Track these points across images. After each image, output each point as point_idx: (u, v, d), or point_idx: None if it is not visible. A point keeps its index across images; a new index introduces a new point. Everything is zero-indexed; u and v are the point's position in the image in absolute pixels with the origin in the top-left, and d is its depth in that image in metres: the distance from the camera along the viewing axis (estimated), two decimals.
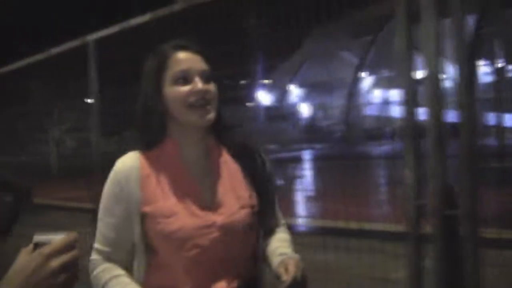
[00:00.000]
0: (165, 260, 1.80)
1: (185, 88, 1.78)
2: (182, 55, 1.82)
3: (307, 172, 16.69)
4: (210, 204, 1.81)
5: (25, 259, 1.10)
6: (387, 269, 3.78)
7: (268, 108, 26.33)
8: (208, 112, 1.78)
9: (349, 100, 30.00)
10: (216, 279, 1.79)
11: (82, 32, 5.08)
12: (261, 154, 1.98)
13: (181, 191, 1.81)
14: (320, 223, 4.17)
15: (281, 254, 1.85)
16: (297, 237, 3.94)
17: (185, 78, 1.79)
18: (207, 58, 1.86)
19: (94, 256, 1.87)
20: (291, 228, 5.05)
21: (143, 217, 1.78)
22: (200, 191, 1.83)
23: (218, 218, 1.79)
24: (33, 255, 1.10)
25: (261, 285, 1.94)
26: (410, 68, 2.72)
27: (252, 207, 1.84)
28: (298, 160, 20.14)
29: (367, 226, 4.47)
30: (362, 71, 31.80)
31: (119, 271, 1.83)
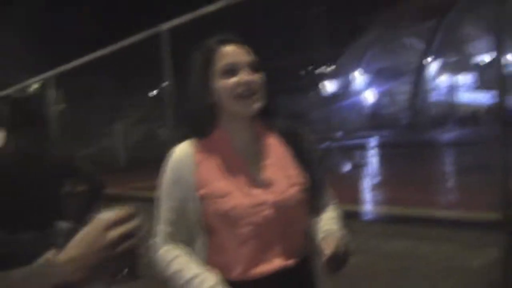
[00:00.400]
0: (221, 238, 1.89)
1: (232, 80, 1.86)
2: (228, 48, 1.91)
3: (373, 159, 16.48)
4: (262, 183, 1.90)
5: (85, 231, 1.13)
6: (464, 258, 3.68)
7: (333, 96, 26.16)
8: (254, 101, 1.87)
9: (414, 87, 29.51)
10: (270, 256, 1.87)
11: (152, 22, 4.94)
12: (308, 135, 2.07)
13: (233, 173, 1.91)
14: (390, 210, 4.08)
15: (326, 230, 1.92)
16: (366, 225, 3.90)
17: (231, 70, 1.88)
18: (252, 50, 1.95)
19: (157, 237, 1.96)
20: (358, 216, 4.96)
21: (200, 199, 1.88)
22: (251, 172, 1.92)
23: (270, 196, 1.87)
24: (92, 225, 1.13)
25: (314, 262, 1.98)
26: (500, 52, 2.61)
27: (301, 184, 1.92)
28: (363, 147, 19.91)
29: (438, 213, 4.35)
30: (428, 57, 31.08)
31: (181, 251, 1.94)
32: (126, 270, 1.17)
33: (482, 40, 24.90)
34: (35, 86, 7.46)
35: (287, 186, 1.90)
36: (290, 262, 1.88)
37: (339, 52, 31.30)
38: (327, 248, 1.77)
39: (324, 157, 15.18)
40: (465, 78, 28.25)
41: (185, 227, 1.95)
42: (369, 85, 33.20)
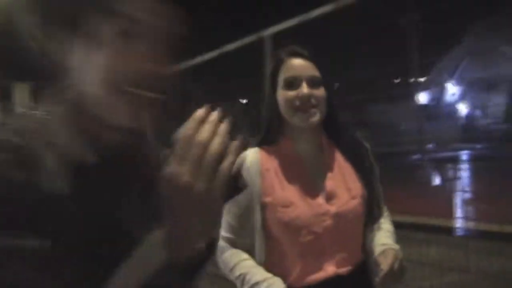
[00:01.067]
0: (282, 245, 1.99)
1: (292, 93, 1.97)
2: (294, 61, 2.01)
3: (465, 172, 16.02)
4: (324, 195, 1.99)
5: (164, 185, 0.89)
6: None
7: (425, 107, 25.64)
8: (312, 115, 1.96)
9: (510, 98, 28.47)
10: (325, 264, 1.97)
11: (253, 29, 4.91)
12: (367, 147, 2.18)
13: (297, 183, 2.00)
14: (485, 226, 3.95)
15: (383, 244, 2.01)
16: (461, 241, 3.79)
17: (293, 83, 1.98)
18: (318, 65, 2.02)
19: (221, 242, 2.04)
20: (452, 231, 4.83)
21: (263, 207, 1.98)
22: (314, 183, 2.02)
23: (332, 207, 1.97)
24: (168, 178, 0.88)
25: (368, 272, 2.05)
26: None
27: (361, 197, 2.02)
28: (456, 160, 19.37)
29: None
30: None
31: (245, 255, 2.03)
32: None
33: None
34: None
35: (348, 198, 2.00)
36: (344, 270, 1.98)
37: (433, 62, 30.68)
38: (384, 263, 1.88)
39: (414, 170, 14.88)
40: None
41: (246, 234, 2.03)
42: (462, 96, 32.32)
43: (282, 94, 2.00)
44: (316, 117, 1.97)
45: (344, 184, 2.03)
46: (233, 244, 2.06)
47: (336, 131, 2.11)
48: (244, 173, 1.90)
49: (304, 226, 1.94)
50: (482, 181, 12.45)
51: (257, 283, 1.90)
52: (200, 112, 0.89)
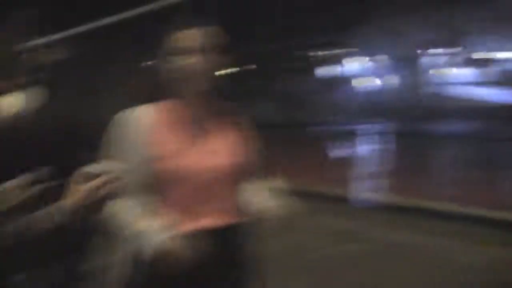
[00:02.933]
0: (165, 194, 2.15)
1: (182, 61, 2.13)
2: (185, 32, 2.16)
3: (370, 146, 16.56)
4: (206, 152, 2.18)
5: (76, 183, 1.59)
6: (465, 253, 3.68)
7: (330, 80, 26.15)
8: (195, 84, 2.13)
9: (412, 77, 29.50)
10: (204, 215, 2.16)
11: None
12: (247, 116, 2.37)
13: (184, 139, 2.18)
14: (384, 198, 4.07)
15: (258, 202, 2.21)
16: (360, 212, 3.88)
17: (182, 53, 2.13)
18: (214, 33, 2.18)
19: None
20: (348, 202, 4.91)
21: (152, 158, 2.14)
22: (200, 141, 2.20)
23: (211, 164, 2.17)
24: (83, 178, 1.59)
25: (243, 227, 2.27)
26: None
27: (239, 157, 2.22)
28: (360, 134, 20.03)
29: (435, 205, 4.32)
30: (426, 48, 31.10)
31: (131, 203, 2.17)
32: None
33: (479, 37, 24.95)
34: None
35: (228, 157, 2.20)
36: (219, 224, 2.17)
37: (341, 37, 31.34)
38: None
39: (315, 141, 15.20)
40: (465, 72, 28.30)
41: (137, 185, 2.17)
42: (365, 71, 33.13)
43: (175, 61, 2.14)
44: (200, 85, 2.14)
45: (225, 146, 2.22)
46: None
47: (223, 100, 2.29)
48: (134, 128, 2.20)
49: (185, 178, 2.13)
50: (382, 155, 12.89)
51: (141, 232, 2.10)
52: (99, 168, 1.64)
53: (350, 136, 18.21)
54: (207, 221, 2.17)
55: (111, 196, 1.63)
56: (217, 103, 2.26)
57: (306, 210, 3.90)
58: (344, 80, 31.82)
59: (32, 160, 1.80)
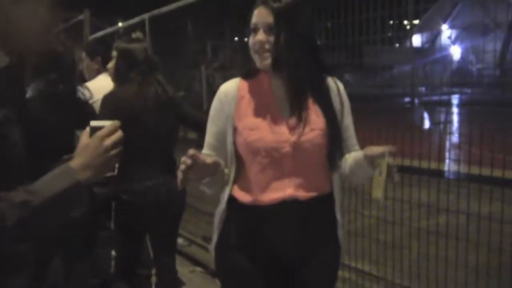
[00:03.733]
0: (247, 165, 2.30)
1: (253, 38, 2.24)
2: (256, 10, 2.24)
3: (456, 116, 16.08)
4: (287, 125, 2.25)
5: (86, 141, 1.55)
6: None
7: (419, 50, 25.49)
8: (264, 59, 2.22)
9: (504, 44, 28.34)
10: (286, 186, 2.25)
11: None
12: (339, 85, 2.42)
13: (266, 112, 2.28)
14: (472, 170, 4.00)
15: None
16: (450, 183, 3.86)
17: (254, 29, 2.24)
18: (284, 10, 2.20)
19: None
20: (443, 174, 4.86)
21: (234, 129, 2.29)
22: (281, 114, 2.27)
23: (292, 137, 2.23)
24: (93, 137, 1.55)
25: (332, 201, 2.36)
26: None
27: (322, 130, 2.26)
28: (447, 104, 19.38)
29: None
30: None
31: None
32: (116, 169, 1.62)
33: None
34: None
35: (308, 130, 2.24)
36: (302, 195, 2.25)
37: (427, 5, 30.44)
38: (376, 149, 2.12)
39: (406, 113, 14.94)
40: None
41: (222, 152, 2.32)
42: (456, 40, 32.14)
43: (249, 38, 2.26)
44: (268, 60, 2.22)
45: (307, 118, 2.25)
46: None
47: (307, 71, 2.28)
48: (222, 99, 2.35)
49: (265, 149, 2.22)
50: (473, 125, 12.55)
51: None
52: (110, 126, 1.57)
53: (441, 107, 17.76)
54: (287, 192, 2.24)
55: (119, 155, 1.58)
56: (303, 75, 2.26)
57: (397, 183, 3.95)
58: (440, 49, 31.02)
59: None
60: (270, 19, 2.19)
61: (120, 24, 7.67)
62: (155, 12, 6.23)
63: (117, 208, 3.74)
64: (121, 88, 3.50)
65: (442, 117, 14.79)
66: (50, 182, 1.46)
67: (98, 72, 4.42)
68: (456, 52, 31.52)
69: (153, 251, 3.91)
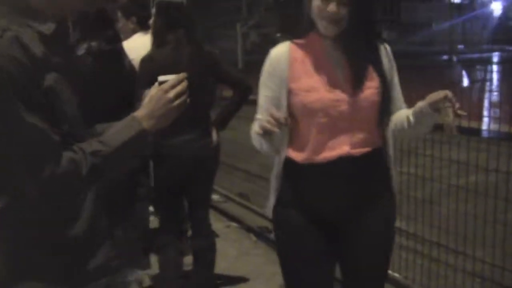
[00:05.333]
0: (302, 125, 2.34)
1: (323, 4, 2.20)
2: None
3: (496, 74, 15.79)
4: (342, 84, 2.30)
5: (153, 93, 1.68)
6: None
7: (458, 6, 24.91)
8: (333, 28, 2.23)
9: None
10: (341, 144, 2.31)
11: None
12: (387, 47, 2.45)
13: (320, 73, 2.32)
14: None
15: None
16: (488, 144, 3.86)
17: None
18: None
19: (255, 124, 2.34)
20: (480, 133, 4.84)
21: (289, 91, 2.32)
22: (335, 74, 2.32)
23: (347, 95, 2.28)
24: (157, 89, 1.68)
25: (384, 155, 2.43)
26: None
27: (376, 88, 2.32)
28: (486, 61, 19.03)
29: None
30: None
31: None
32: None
33: None
34: None
35: (364, 89, 2.29)
36: (357, 151, 2.31)
37: None
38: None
39: (444, 70, 14.73)
40: None
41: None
42: None
43: (316, 2, 2.22)
44: (336, 30, 2.24)
45: (361, 77, 2.31)
46: None
47: (362, 33, 2.33)
48: (274, 62, 2.37)
49: (322, 109, 2.27)
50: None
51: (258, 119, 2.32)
52: (175, 78, 1.70)
53: (481, 64, 17.46)
54: (343, 149, 2.30)
55: (182, 106, 1.71)
56: (354, 40, 2.30)
57: (430, 140, 3.96)
58: (480, 5, 30.22)
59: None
60: None
61: None
62: None
63: (155, 163, 3.87)
64: (158, 51, 3.58)
65: (481, 75, 14.56)
66: (118, 132, 1.63)
67: (133, 32, 4.49)
68: (497, 8, 30.71)
69: (188, 205, 4.03)
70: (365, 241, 2.45)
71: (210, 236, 3.93)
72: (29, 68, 1.42)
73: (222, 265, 4.06)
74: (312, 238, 2.42)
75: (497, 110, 4.18)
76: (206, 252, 3.87)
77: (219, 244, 3.58)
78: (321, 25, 2.25)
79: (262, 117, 2.28)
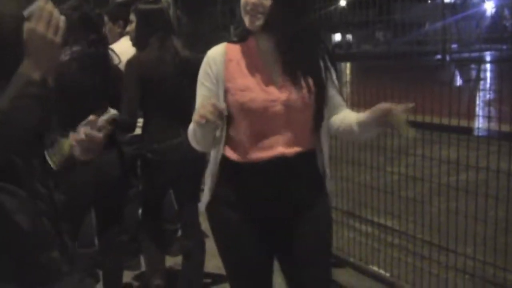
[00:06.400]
0: (238, 124, 2.38)
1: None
2: None
3: (489, 74, 15.82)
4: (277, 85, 2.34)
5: (26, 38, 1.51)
6: None
7: (450, 6, 24.96)
8: (257, 19, 2.27)
9: None
10: (275, 144, 2.35)
11: None
12: (325, 45, 2.52)
13: (255, 73, 2.36)
14: (505, 128, 3.98)
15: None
16: (480, 142, 3.86)
17: None
18: None
19: (192, 124, 2.36)
20: (471, 132, 4.84)
21: (226, 91, 2.36)
22: (270, 75, 2.36)
23: (282, 95, 2.32)
24: (28, 32, 1.50)
25: (319, 156, 2.49)
26: None
27: (309, 89, 2.35)
28: (479, 61, 19.01)
29: None
30: None
31: None
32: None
33: None
34: None
35: (298, 90, 2.33)
36: (291, 151, 2.35)
37: None
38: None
39: (436, 70, 14.75)
40: None
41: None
42: None
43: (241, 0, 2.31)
44: (259, 21, 2.28)
45: (295, 78, 2.35)
46: None
47: (295, 33, 2.36)
48: (210, 62, 2.41)
49: (257, 108, 2.31)
50: (506, 83, 12.34)
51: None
52: (38, 6, 1.50)
53: (474, 64, 17.45)
54: (277, 150, 2.35)
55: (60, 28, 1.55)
56: (292, 36, 2.35)
57: (420, 140, 3.96)
58: (473, 4, 30.32)
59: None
60: None
61: None
62: None
63: (143, 166, 3.89)
64: (142, 53, 3.61)
65: (474, 74, 14.58)
66: (6, 94, 1.51)
67: (120, 36, 4.51)
68: (489, 7, 30.78)
69: (177, 206, 4.04)
70: (302, 240, 2.49)
71: (199, 236, 3.93)
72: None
73: (212, 264, 4.06)
74: (247, 235, 2.48)
75: (489, 109, 4.16)
76: (196, 252, 3.88)
77: (209, 243, 3.57)
78: (245, 20, 2.31)
79: (202, 108, 2.26)
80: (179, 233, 4.60)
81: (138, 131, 3.70)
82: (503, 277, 3.76)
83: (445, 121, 3.85)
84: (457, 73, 15.39)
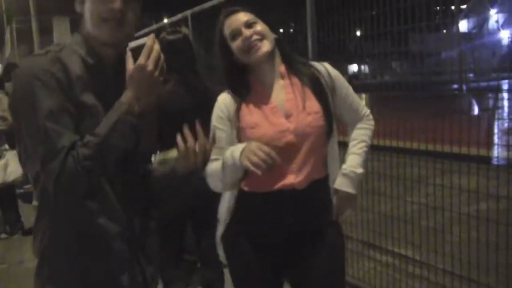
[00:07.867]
0: None
1: (238, 41, 2.40)
2: (229, 19, 2.45)
3: (506, 102, 15.73)
4: (284, 114, 2.41)
5: (132, 72, 1.69)
6: None
7: (466, 35, 24.98)
8: (257, 49, 2.38)
9: None
10: (290, 173, 2.39)
11: None
12: (327, 67, 2.57)
13: (261, 108, 2.44)
14: None
15: (343, 169, 2.54)
16: (500, 171, 3.84)
17: (235, 35, 2.41)
18: (250, 10, 2.47)
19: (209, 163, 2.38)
20: (490, 161, 4.82)
21: (238, 131, 2.45)
22: (276, 106, 2.44)
23: (291, 124, 2.39)
24: (134, 68, 1.68)
25: (327, 184, 2.55)
26: None
27: (317, 113, 2.42)
28: (496, 90, 18.94)
29: None
30: None
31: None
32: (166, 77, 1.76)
33: None
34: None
35: (305, 115, 2.40)
36: (301, 179, 2.40)
37: None
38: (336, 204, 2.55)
39: (454, 99, 14.70)
40: None
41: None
42: (504, 25, 31.42)
43: (233, 45, 2.42)
44: (262, 49, 2.39)
45: (301, 104, 2.42)
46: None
47: (293, 60, 2.53)
48: (222, 107, 2.50)
49: (268, 143, 2.31)
50: None
51: (224, 158, 2.37)
52: (146, 45, 1.67)
53: (491, 93, 17.38)
54: (286, 181, 2.40)
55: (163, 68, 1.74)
56: (287, 66, 2.51)
57: (439, 169, 3.95)
58: (488, 34, 30.33)
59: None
60: (245, 17, 2.42)
61: (165, 20, 7.81)
62: (197, 8, 6.32)
63: None
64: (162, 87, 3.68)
65: (491, 103, 14.51)
66: (106, 120, 1.68)
67: None
68: (505, 36, 30.78)
69: (195, 236, 4.03)
70: (315, 268, 2.52)
71: (218, 267, 3.92)
72: (62, 82, 1.67)
73: None
74: (259, 264, 2.52)
75: (508, 137, 4.14)
76: (215, 283, 3.87)
77: (228, 274, 3.55)
78: (250, 58, 2.41)
79: (253, 156, 2.26)
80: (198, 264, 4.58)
81: None
82: None
83: (464, 150, 3.84)
84: (474, 102, 15.36)
